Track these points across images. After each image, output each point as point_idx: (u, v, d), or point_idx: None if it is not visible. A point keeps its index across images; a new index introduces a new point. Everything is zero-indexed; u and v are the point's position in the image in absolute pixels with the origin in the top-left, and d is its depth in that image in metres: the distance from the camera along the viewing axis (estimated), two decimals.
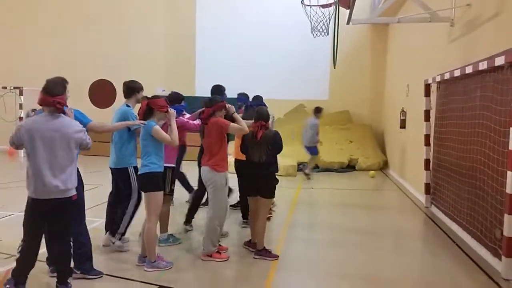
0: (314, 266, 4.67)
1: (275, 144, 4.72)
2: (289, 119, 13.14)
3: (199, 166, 5.15)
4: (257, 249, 4.76)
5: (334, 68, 8.55)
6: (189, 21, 14.43)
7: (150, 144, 4.20)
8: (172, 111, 4.36)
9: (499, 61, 4.45)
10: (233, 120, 4.62)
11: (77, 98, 9.05)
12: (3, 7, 15.27)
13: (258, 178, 4.70)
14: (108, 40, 14.70)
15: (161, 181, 4.32)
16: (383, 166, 12.00)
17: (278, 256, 4.74)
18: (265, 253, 4.72)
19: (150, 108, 4.27)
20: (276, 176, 4.80)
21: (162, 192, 4.31)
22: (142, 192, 4.39)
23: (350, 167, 11.82)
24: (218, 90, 5.89)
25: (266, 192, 4.72)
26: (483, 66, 4.88)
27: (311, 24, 8.06)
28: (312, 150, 10.26)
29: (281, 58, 13.77)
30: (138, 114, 4.40)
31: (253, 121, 4.75)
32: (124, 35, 14.66)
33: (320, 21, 7.92)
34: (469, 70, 5.30)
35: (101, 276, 4.12)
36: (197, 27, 14.43)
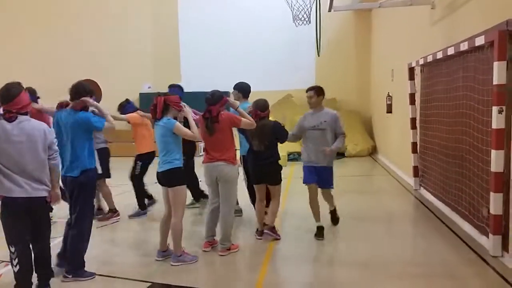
0: (306, 256, 4.70)
1: (277, 132, 4.91)
2: (276, 109, 13.11)
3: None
4: (269, 226, 4.99)
5: (318, 56, 8.55)
6: (172, 15, 14.24)
7: (171, 141, 4.29)
8: (188, 108, 4.51)
9: (479, 41, 4.48)
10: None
11: (64, 97, 8.92)
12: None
13: (261, 167, 4.91)
14: (92, 38, 14.42)
15: (184, 176, 4.41)
16: (372, 152, 12.08)
17: (280, 237, 5.02)
18: (274, 230, 5.04)
19: (167, 105, 4.28)
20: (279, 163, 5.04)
21: (185, 186, 4.40)
22: (167, 188, 4.37)
23: (339, 154, 11.85)
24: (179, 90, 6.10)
25: (271, 180, 4.99)
26: (464, 47, 4.91)
27: (292, 13, 8.03)
28: None
29: (266, 49, 13.69)
30: (151, 110, 4.36)
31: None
32: (108, 32, 14.40)
33: (302, 9, 7.90)
34: (451, 51, 5.33)
35: (94, 277, 4.10)
36: (179, 20, 14.25)
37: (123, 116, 6.25)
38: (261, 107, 4.92)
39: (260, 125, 4.77)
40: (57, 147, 3.64)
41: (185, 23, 14.19)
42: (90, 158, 4.10)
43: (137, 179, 6.23)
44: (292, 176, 9.35)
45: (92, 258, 4.55)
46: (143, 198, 6.36)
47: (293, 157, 11.45)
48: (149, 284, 3.96)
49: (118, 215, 6.14)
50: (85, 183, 4.03)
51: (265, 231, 4.98)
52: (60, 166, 3.68)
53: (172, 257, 4.42)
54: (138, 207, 6.29)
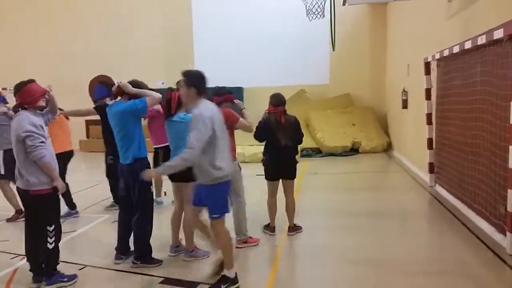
0: (320, 253, 4.65)
1: (299, 128, 4.98)
2: (290, 105, 13.03)
3: None
4: (290, 226, 5.12)
5: (333, 50, 8.45)
6: (185, 11, 14.24)
7: (186, 137, 4.21)
8: None
9: (498, 34, 4.36)
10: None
11: (77, 95, 9.04)
12: (4, 7, 15.18)
13: (284, 162, 4.89)
14: (104, 36, 14.59)
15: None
16: (387, 148, 11.93)
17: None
18: (297, 228, 5.15)
19: (180, 100, 4.23)
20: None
21: None
22: (178, 184, 4.40)
23: (353, 150, 11.77)
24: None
25: (292, 174, 5.00)
26: (482, 40, 4.78)
27: (306, 7, 7.94)
28: None
29: (280, 43, 13.60)
30: (164, 106, 4.41)
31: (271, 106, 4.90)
32: (120, 30, 14.53)
33: (316, 3, 7.80)
34: (468, 45, 5.20)
35: (160, 264, 4.23)
36: (193, 16, 14.25)
37: None
38: (285, 103, 4.94)
39: (285, 120, 4.82)
40: (33, 142, 3.62)
41: (199, 18, 14.18)
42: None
43: None
44: (304, 172, 9.30)
45: (102, 252, 4.61)
46: (70, 197, 6.12)
47: (306, 153, 11.39)
48: (162, 279, 3.98)
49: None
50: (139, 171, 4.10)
51: (289, 233, 5.07)
52: (44, 158, 3.64)
53: (184, 253, 4.45)
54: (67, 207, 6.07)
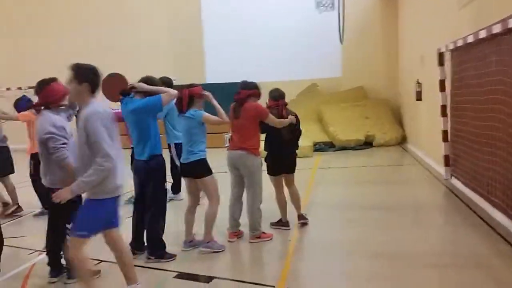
0: (333, 246, 4.64)
1: (299, 123, 5.00)
2: (301, 99, 12.99)
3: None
4: (298, 214, 5.15)
5: (341, 43, 8.33)
6: (194, 5, 14.20)
7: (199, 132, 4.38)
8: (208, 93, 4.55)
9: None
10: None
11: None
12: (10, 7, 15.38)
13: (286, 157, 4.94)
14: (114, 32, 14.47)
15: (209, 165, 4.47)
16: (401, 141, 11.79)
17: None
18: (303, 216, 5.17)
19: (192, 97, 4.35)
20: None
21: (213, 175, 4.46)
22: (192, 179, 4.47)
23: (367, 144, 11.66)
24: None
25: (292, 169, 5.05)
26: (497, 29, 4.67)
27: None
28: None
29: (290, 37, 13.39)
30: (177, 103, 4.43)
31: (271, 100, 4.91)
32: (129, 26, 14.44)
33: None
34: (483, 34, 5.09)
35: (174, 259, 4.28)
36: (202, 10, 14.21)
37: (12, 115, 6.06)
38: (284, 96, 4.96)
39: (287, 114, 4.84)
40: (54, 144, 3.66)
41: (208, 12, 14.13)
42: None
43: (32, 178, 5.87)
44: (317, 166, 9.27)
45: None
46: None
47: (319, 147, 11.31)
48: (176, 273, 4.02)
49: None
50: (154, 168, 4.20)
51: (299, 222, 5.12)
52: (66, 159, 3.67)
53: (201, 245, 4.48)
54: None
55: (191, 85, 4.50)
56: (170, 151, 6.04)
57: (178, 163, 5.45)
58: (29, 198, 6.23)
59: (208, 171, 4.43)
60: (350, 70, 13.30)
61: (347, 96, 12.94)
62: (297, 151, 5.13)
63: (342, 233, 5.06)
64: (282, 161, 4.96)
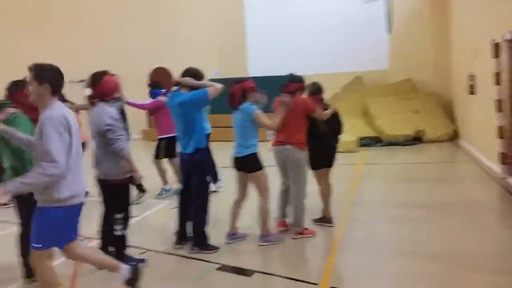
0: (379, 246, 4.51)
1: (338, 117, 4.97)
2: (346, 92, 12.70)
3: None
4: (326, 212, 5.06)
5: (389, 33, 8.02)
6: (237, 1, 14.24)
7: (250, 125, 4.38)
8: (288, 98, 4.50)
9: None
10: None
11: (136, 88, 9.36)
12: (61, 9, 16.08)
13: (324, 150, 4.87)
14: (157, 27, 14.83)
15: (261, 160, 4.48)
16: (453, 137, 11.25)
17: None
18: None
19: (244, 92, 4.36)
20: None
21: (264, 169, 4.46)
22: (243, 173, 4.50)
23: (416, 139, 11.22)
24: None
25: (332, 162, 4.97)
26: None
27: None
28: None
29: (333, 28, 13.09)
30: (229, 99, 4.44)
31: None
32: (172, 22, 14.73)
33: None
34: None
35: (217, 251, 4.34)
36: (245, 5, 14.19)
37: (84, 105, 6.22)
38: (313, 91, 4.87)
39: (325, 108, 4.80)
40: (113, 135, 3.76)
41: (250, 7, 14.11)
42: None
43: None
44: (363, 162, 9.05)
45: (163, 237, 4.80)
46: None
47: (365, 142, 11.02)
48: (218, 265, 4.07)
49: None
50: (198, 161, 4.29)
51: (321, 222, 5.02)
52: (124, 150, 3.80)
53: (259, 238, 4.52)
54: None
55: (241, 80, 4.51)
56: None
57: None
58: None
59: (260, 166, 4.44)
60: (398, 62, 12.79)
61: (394, 89, 12.49)
62: (337, 145, 5.05)
63: (390, 231, 4.91)
64: (320, 155, 4.88)
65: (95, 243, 4.33)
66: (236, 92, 4.36)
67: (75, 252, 3.14)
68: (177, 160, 6.40)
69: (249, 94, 4.39)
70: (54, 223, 2.89)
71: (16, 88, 3.63)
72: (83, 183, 3.04)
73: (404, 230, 4.87)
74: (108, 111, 3.82)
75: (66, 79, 3.08)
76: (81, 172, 3.02)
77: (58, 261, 4.04)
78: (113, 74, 3.99)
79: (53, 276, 3.03)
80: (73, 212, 2.97)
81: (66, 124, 2.83)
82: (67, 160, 2.81)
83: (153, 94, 6.65)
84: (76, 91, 9.10)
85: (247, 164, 4.43)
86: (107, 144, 3.77)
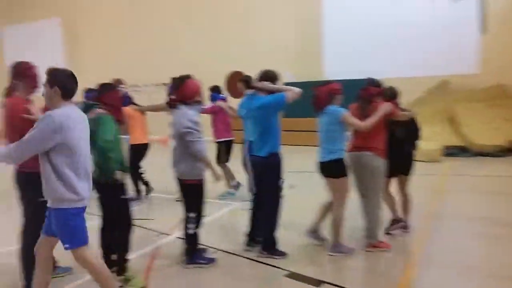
0: (462, 263, 4.09)
1: (415, 122, 4.80)
2: (429, 97, 11.86)
3: None
4: (400, 218, 4.89)
5: (483, 34, 7.31)
6: (315, 2, 13.97)
7: (336, 129, 4.24)
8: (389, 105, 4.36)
9: None
10: None
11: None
12: (140, 14, 16.97)
13: (399, 157, 4.64)
14: (235, 31, 14.99)
15: (346, 165, 4.33)
16: None
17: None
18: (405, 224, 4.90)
19: (331, 94, 4.27)
20: None
21: (347, 177, 4.31)
22: (329, 178, 4.34)
23: (509, 150, 10.14)
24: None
25: (409, 170, 4.80)
26: None
27: None
28: None
29: (416, 29, 12.22)
30: (314, 102, 4.35)
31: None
32: (249, 24, 14.82)
33: None
34: None
35: (284, 257, 4.27)
36: (324, 7, 13.85)
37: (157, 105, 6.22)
38: (390, 95, 4.60)
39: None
40: (191, 137, 3.88)
41: (329, 10, 13.73)
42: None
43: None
44: (448, 172, 8.37)
45: (233, 238, 4.80)
46: None
47: (450, 152, 10.20)
48: (287, 272, 3.96)
49: None
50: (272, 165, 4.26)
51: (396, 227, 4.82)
52: (201, 152, 3.94)
53: (330, 248, 4.37)
54: None
55: (327, 82, 4.38)
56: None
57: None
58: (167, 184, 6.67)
59: (344, 172, 4.25)
60: (490, 65, 11.67)
61: (484, 95, 11.35)
62: (414, 151, 4.82)
63: (475, 249, 4.43)
64: (394, 162, 4.55)
65: (171, 238, 4.44)
66: (322, 94, 4.24)
67: (85, 258, 3.02)
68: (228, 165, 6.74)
69: (335, 97, 4.25)
70: (74, 222, 2.93)
71: (104, 90, 3.85)
72: (87, 187, 3.00)
73: (492, 249, 4.39)
74: (189, 114, 3.92)
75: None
76: (86, 174, 3.00)
77: (133, 255, 4.24)
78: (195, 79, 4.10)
79: (101, 268, 3.08)
80: (77, 214, 2.95)
81: (59, 125, 2.78)
82: (24, 157, 2.85)
83: (213, 98, 6.75)
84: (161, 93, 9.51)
85: (332, 170, 4.24)
86: (185, 146, 3.89)
